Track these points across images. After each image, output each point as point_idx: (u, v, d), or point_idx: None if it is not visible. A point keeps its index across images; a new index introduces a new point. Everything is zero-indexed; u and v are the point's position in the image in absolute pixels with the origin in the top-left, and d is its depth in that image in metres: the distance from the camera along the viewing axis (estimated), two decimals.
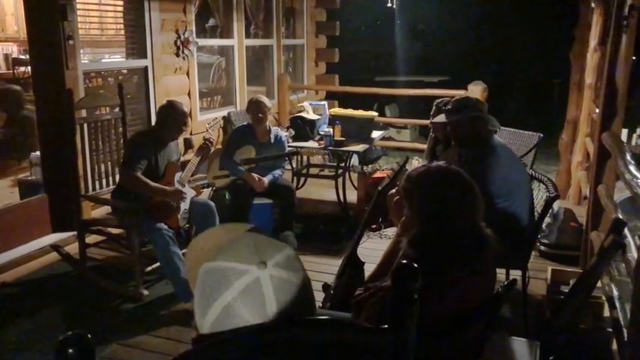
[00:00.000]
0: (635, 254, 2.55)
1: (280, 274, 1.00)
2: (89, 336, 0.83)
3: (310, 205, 5.00)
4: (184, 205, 3.66)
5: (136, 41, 5.09)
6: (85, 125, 3.80)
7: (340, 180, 4.91)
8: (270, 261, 1.00)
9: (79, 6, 4.37)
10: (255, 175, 4.35)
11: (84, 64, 4.55)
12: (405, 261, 1.39)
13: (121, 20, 5.18)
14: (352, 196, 4.97)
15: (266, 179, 4.38)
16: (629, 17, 3.47)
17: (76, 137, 3.75)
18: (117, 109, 4.02)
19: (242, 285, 0.97)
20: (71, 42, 4.15)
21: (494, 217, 1.93)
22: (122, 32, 5.21)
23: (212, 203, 3.81)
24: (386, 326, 1.04)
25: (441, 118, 3.39)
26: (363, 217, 2.78)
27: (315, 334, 1.00)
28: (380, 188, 2.70)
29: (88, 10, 4.78)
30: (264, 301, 0.96)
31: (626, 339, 2.40)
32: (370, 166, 6.19)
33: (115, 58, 5.39)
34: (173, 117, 3.61)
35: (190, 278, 1.12)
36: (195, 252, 1.17)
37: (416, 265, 1.62)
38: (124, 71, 5.28)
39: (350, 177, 5.30)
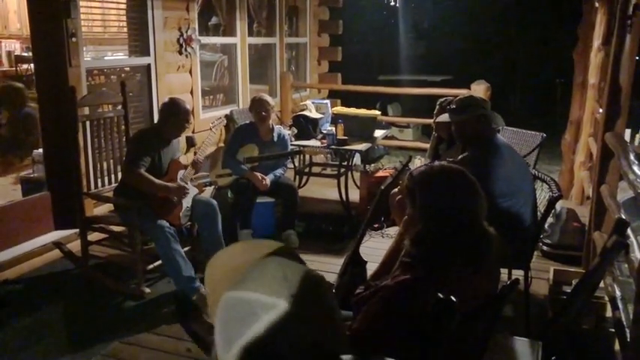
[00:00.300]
0: (637, 254, 2.54)
1: (309, 304, 0.94)
2: None
3: (312, 204, 5.00)
4: (186, 203, 3.66)
5: (138, 39, 5.09)
6: (88, 123, 3.80)
7: (342, 179, 4.91)
8: (299, 293, 0.93)
9: (82, 3, 4.37)
10: (259, 174, 4.35)
11: (87, 61, 4.55)
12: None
13: (124, 18, 5.18)
14: (354, 195, 4.96)
15: (268, 178, 4.37)
16: (633, 17, 3.45)
17: (79, 135, 3.75)
18: (119, 107, 4.02)
19: (270, 319, 0.91)
20: (74, 39, 4.15)
21: (497, 217, 1.92)
22: (125, 30, 5.21)
23: (214, 202, 3.80)
24: None
25: (445, 117, 3.38)
26: (366, 216, 2.77)
27: None
28: (382, 187, 2.70)
29: (91, 7, 4.78)
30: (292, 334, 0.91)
31: (628, 339, 2.39)
32: (373, 165, 6.18)
33: (118, 56, 5.39)
34: (175, 114, 3.60)
35: (210, 302, 1.06)
36: (216, 273, 1.10)
37: (419, 262, 1.62)
38: (127, 69, 5.27)
39: (352, 176, 5.29)
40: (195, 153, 3.84)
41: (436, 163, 1.90)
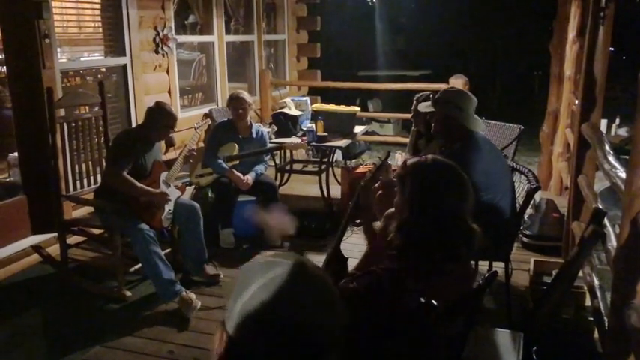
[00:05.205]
0: (614, 243, 2.58)
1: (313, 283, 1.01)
2: None
3: (294, 202, 4.98)
4: (169, 206, 3.63)
5: (114, 39, 5.02)
6: (65, 125, 3.75)
7: (324, 175, 4.90)
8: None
9: (55, 4, 4.30)
10: (240, 174, 4.33)
11: (62, 62, 4.48)
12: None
13: (99, 18, 5.10)
14: (336, 191, 4.96)
15: (250, 177, 4.36)
16: (605, 9, 3.50)
17: (56, 137, 3.70)
18: (97, 108, 3.97)
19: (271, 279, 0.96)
20: (47, 40, 4.07)
21: (478, 211, 1.93)
22: (100, 30, 5.14)
23: (197, 205, 3.78)
24: None
25: (428, 106, 3.38)
26: (347, 212, 2.77)
27: None
28: (362, 183, 2.70)
29: (65, 7, 4.71)
30: None
31: (607, 327, 2.43)
32: (354, 161, 6.20)
33: (94, 57, 5.31)
34: (163, 119, 3.59)
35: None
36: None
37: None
38: (103, 69, 5.20)
39: (333, 172, 5.29)
40: (184, 148, 3.83)
41: (430, 155, 1.91)
